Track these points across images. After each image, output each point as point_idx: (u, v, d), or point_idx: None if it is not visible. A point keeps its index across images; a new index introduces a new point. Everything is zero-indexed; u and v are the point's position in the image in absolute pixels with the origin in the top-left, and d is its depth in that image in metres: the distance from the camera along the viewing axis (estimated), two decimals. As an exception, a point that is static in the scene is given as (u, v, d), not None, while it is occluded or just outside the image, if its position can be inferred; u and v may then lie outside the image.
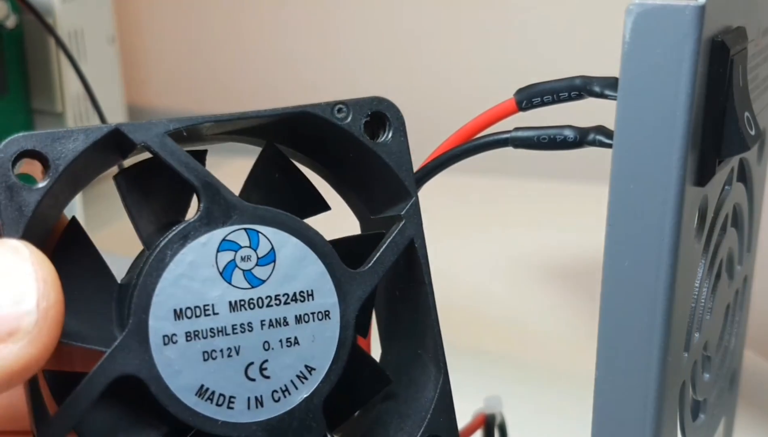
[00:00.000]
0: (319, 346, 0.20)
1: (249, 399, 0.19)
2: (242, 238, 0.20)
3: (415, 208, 0.22)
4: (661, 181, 0.19)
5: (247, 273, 0.20)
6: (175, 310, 0.19)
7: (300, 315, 0.20)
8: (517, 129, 0.23)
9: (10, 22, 0.39)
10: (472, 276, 0.65)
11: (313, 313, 0.20)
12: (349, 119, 0.22)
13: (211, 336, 0.19)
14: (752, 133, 0.21)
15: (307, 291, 0.20)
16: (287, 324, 0.20)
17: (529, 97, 0.23)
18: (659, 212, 0.20)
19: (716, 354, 0.27)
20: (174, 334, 0.19)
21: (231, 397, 0.19)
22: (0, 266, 0.17)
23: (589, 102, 0.23)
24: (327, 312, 0.20)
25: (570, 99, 0.23)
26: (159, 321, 0.19)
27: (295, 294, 0.20)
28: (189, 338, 0.19)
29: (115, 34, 0.82)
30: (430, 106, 0.87)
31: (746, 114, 0.21)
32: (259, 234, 0.20)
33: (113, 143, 0.20)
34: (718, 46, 0.20)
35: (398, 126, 0.22)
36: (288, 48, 0.91)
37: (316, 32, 0.90)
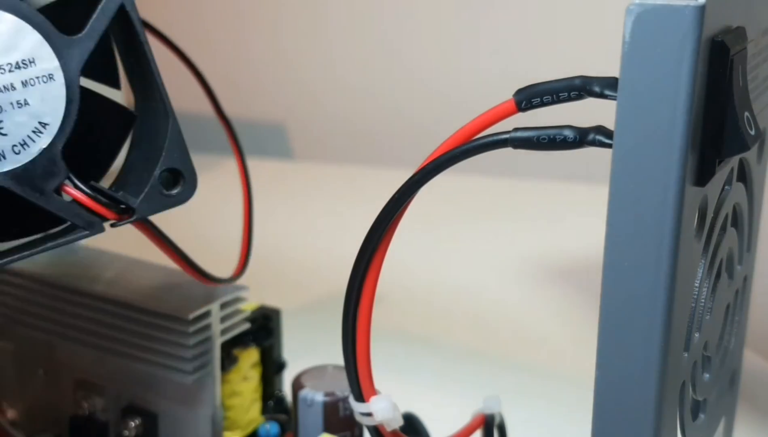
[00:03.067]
0: (49, 104, 0.23)
1: None
2: None
3: None
4: (661, 181, 0.19)
5: None
6: None
7: (26, 80, 0.23)
8: (516, 129, 0.23)
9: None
10: (471, 276, 0.65)
11: (37, 77, 0.23)
12: None
13: None
14: (752, 132, 0.21)
15: (29, 59, 0.23)
16: (15, 88, 0.23)
17: (529, 98, 0.23)
18: (659, 212, 0.20)
19: (716, 354, 0.27)
20: None
21: None
22: None
23: (589, 102, 0.23)
24: (51, 75, 0.24)
25: (570, 99, 0.23)
26: None
27: (17, 62, 0.23)
28: None
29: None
30: (430, 106, 0.87)
31: (746, 114, 0.21)
32: None
33: None
34: (717, 46, 0.20)
35: None
36: (289, 48, 0.91)
37: (317, 32, 0.90)
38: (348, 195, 0.73)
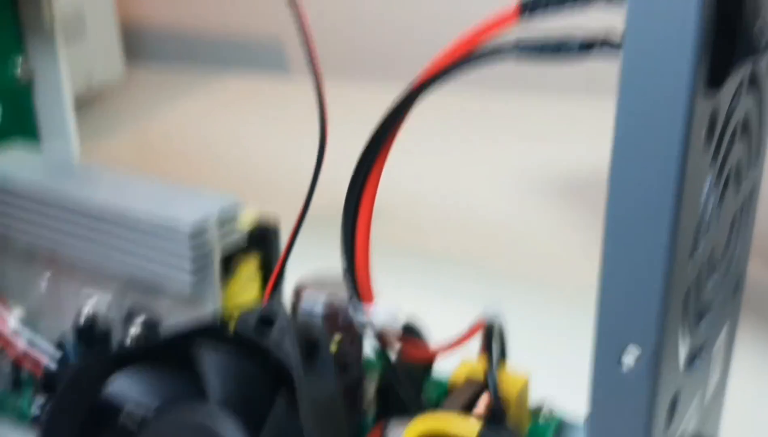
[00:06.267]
0: None
1: None
2: None
3: None
4: (672, 85, 0.19)
5: None
6: None
7: None
8: (521, 39, 0.23)
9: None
10: (476, 191, 0.65)
11: None
12: None
13: None
14: (763, 37, 0.20)
15: None
16: None
17: (534, 3, 0.23)
18: (669, 116, 0.19)
19: (721, 262, 0.27)
20: None
21: None
22: None
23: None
24: None
25: (576, 6, 0.22)
26: None
27: None
28: None
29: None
30: (434, 20, 0.86)
31: (758, 18, 0.20)
32: None
33: None
34: (732, -55, 0.19)
35: None
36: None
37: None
38: (347, 111, 0.72)
